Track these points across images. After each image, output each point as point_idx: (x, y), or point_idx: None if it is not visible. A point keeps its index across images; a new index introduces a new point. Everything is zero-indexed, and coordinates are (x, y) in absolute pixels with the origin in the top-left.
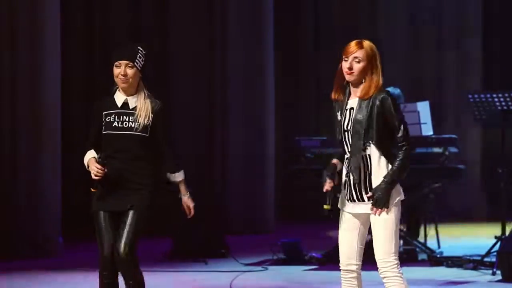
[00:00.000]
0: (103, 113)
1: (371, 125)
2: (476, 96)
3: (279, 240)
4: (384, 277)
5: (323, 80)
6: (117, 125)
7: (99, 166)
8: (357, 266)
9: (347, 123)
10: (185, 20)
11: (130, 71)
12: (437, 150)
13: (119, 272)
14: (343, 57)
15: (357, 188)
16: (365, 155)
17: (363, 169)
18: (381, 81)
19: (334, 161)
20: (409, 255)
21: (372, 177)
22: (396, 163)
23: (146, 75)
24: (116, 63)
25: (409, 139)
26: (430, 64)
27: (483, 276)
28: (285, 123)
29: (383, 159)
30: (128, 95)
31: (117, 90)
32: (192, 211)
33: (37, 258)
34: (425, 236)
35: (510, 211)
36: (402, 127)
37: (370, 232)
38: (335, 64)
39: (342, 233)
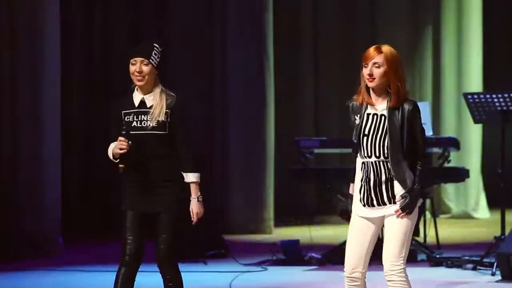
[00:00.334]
0: (122, 112)
1: (402, 132)
2: (475, 96)
3: (278, 240)
4: (390, 280)
5: (323, 80)
6: (136, 125)
7: (122, 138)
8: (362, 274)
9: (368, 128)
10: (185, 20)
11: (145, 68)
12: (436, 150)
13: (137, 271)
14: (363, 64)
15: (377, 192)
16: (386, 161)
17: (385, 174)
18: (407, 88)
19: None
20: (408, 255)
21: (394, 181)
22: (419, 173)
23: (162, 72)
24: (132, 60)
25: (426, 148)
26: (430, 64)
27: (483, 277)
28: (285, 123)
29: (404, 163)
30: (144, 93)
31: (136, 88)
32: (195, 218)
33: (37, 258)
34: (425, 236)
35: (509, 211)
36: (422, 137)
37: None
38: (335, 64)
39: (351, 239)
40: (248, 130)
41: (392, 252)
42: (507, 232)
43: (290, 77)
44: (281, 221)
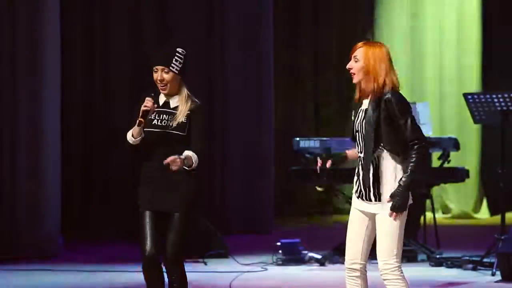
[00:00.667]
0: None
1: (380, 127)
2: (475, 96)
3: (278, 240)
4: (385, 279)
5: (322, 80)
6: (156, 123)
7: (149, 98)
8: (361, 266)
9: (358, 124)
10: (185, 20)
11: (166, 76)
12: (436, 150)
13: (163, 269)
14: (350, 57)
15: (366, 188)
16: (376, 157)
17: (373, 170)
18: (387, 82)
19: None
20: (408, 255)
21: (382, 179)
22: (410, 164)
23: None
24: (154, 68)
25: (420, 136)
26: (430, 64)
27: (483, 277)
28: (285, 123)
29: (393, 161)
30: (169, 96)
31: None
32: (169, 159)
33: (37, 258)
34: (425, 236)
35: (509, 211)
36: (409, 126)
37: None
38: (335, 64)
39: (350, 230)
40: (248, 130)
41: (384, 251)
42: (507, 232)
43: (290, 77)
44: (281, 221)
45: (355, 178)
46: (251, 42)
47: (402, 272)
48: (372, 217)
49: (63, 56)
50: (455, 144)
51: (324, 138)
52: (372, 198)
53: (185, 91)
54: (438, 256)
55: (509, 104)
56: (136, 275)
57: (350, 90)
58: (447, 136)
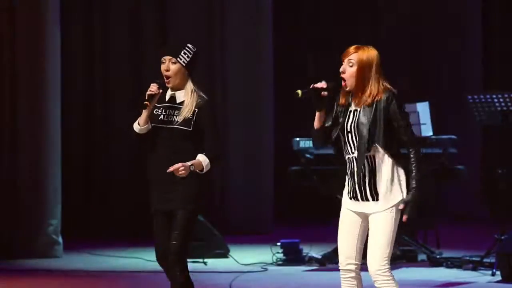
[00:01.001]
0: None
1: (376, 127)
2: (475, 97)
3: (278, 240)
4: (376, 280)
5: (322, 79)
6: (162, 118)
7: (154, 83)
8: (356, 266)
9: (350, 124)
10: (185, 20)
11: (173, 67)
12: (436, 150)
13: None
14: (342, 60)
15: (361, 187)
16: (370, 156)
17: (369, 170)
18: (380, 87)
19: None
20: (408, 255)
21: (377, 177)
22: (413, 171)
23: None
24: (162, 59)
25: (415, 141)
26: (430, 64)
27: (483, 277)
28: (284, 123)
29: (388, 159)
30: (175, 90)
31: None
32: (172, 168)
33: (37, 258)
34: (425, 236)
35: (509, 211)
36: (408, 130)
37: None
38: (334, 64)
39: (342, 231)
40: (248, 130)
41: (376, 253)
42: (507, 232)
43: (289, 77)
44: (281, 222)
45: (347, 179)
46: (251, 42)
47: (391, 273)
48: (365, 218)
49: (63, 56)
50: (454, 144)
51: None
52: (369, 197)
53: (190, 86)
54: (438, 256)
55: (509, 104)
56: (136, 275)
57: None
58: (447, 136)
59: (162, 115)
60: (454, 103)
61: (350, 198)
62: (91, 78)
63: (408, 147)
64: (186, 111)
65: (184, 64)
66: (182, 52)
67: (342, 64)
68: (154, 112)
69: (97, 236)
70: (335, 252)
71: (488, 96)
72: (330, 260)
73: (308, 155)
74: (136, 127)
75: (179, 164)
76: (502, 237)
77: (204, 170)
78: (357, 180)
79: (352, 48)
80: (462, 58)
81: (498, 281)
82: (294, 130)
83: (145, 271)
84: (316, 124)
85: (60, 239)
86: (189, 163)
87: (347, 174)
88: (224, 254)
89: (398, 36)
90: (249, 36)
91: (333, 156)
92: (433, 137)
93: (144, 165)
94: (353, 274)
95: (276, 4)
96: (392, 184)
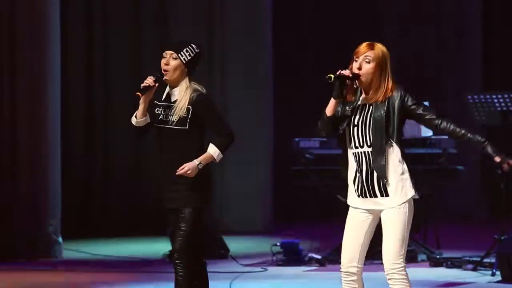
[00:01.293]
0: (154, 101)
1: (390, 122)
2: (475, 97)
3: (278, 241)
4: (391, 278)
5: (322, 80)
6: (162, 118)
7: (152, 77)
8: (358, 269)
9: (358, 119)
10: (185, 20)
11: (172, 62)
12: (436, 151)
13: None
14: (354, 57)
15: (369, 183)
16: (385, 150)
17: (378, 164)
18: (391, 84)
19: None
20: (408, 255)
21: (388, 172)
22: (463, 130)
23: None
24: (163, 53)
25: (440, 113)
26: (429, 64)
27: (483, 277)
28: (284, 123)
29: (398, 154)
30: (172, 88)
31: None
32: (181, 171)
33: (37, 258)
34: (425, 236)
35: (509, 212)
36: (429, 109)
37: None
38: (334, 64)
39: (347, 233)
40: (248, 130)
41: (392, 250)
42: (507, 232)
43: (289, 77)
44: (281, 222)
45: (352, 175)
46: (251, 40)
47: (407, 272)
48: (374, 215)
49: (63, 56)
50: (454, 144)
51: (324, 139)
52: (378, 193)
53: (186, 83)
54: (438, 256)
55: (509, 104)
56: (136, 275)
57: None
58: (446, 136)
59: (161, 115)
60: (454, 103)
61: (358, 196)
62: (91, 78)
63: (439, 119)
64: (179, 110)
65: (184, 61)
66: (185, 49)
67: (353, 60)
68: (156, 112)
69: (97, 236)
70: (335, 252)
71: (488, 96)
72: (330, 261)
73: (308, 155)
74: (133, 120)
75: (186, 168)
76: (502, 237)
77: (217, 160)
78: (365, 175)
79: (365, 45)
80: (462, 58)
81: (498, 281)
82: (294, 130)
83: (145, 271)
84: (330, 112)
85: (60, 239)
86: (196, 161)
87: (355, 169)
88: (224, 254)
89: (398, 36)
90: (249, 36)
91: (332, 156)
92: (433, 137)
93: (143, 165)
94: (354, 277)
95: (276, 4)
96: (402, 179)
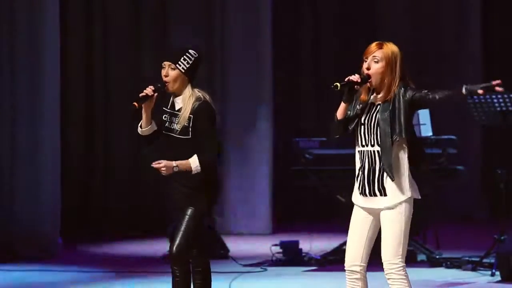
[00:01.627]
0: (163, 108)
1: (396, 120)
2: (475, 97)
3: (278, 241)
4: (390, 278)
5: (322, 80)
6: (168, 126)
7: (151, 87)
8: (361, 268)
9: (364, 118)
10: (185, 21)
11: (171, 73)
12: (436, 151)
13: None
14: (364, 58)
15: (370, 182)
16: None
17: (379, 163)
18: (407, 82)
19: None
20: (408, 255)
21: (394, 171)
22: (446, 91)
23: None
24: (162, 64)
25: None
26: (429, 64)
27: (482, 277)
28: (284, 123)
29: (403, 154)
30: (175, 96)
31: None
32: (156, 165)
33: (37, 258)
34: (424, 237)
35: (509, 212)
36: (425, 90)
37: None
38: (334, 64)
39: (351, 231)
40: (247, 131)
41: (389, 251)
42: (506, 233)
43: (289, 77)
44: (280, 222)
45: (357, 174)
46: (251, 39)
47: (406, 272)
48: (376, 215)
49: (62, 56)
50: (454, 144)
51: (324, 138)
52: (377, 193)
53: (188, 91)
54: (437, 257)
55: (508, 104)
56: (136, 276)
57: None
58: (446, 136)
59: (167, 123)
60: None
61: (360, 194)
62: (91, 78)
63: (430, 94)
64: (183, 119)
65: (183, 71)
66: (182, 58)
67: (363, 61)
68: (163, 118)
69: (97, 236)
70: (334, 252)
71: (487, 97)
72: (330, 261)
73: (308, 155)
74: (139, 129)
75: (162, 164)
76: (502, 238)
77: (193, 172)
78: (367, 174)
79: (375, 45)
80: (462, 58)
81: (497, 282)
82: (294, 130)
83: (144, 272)
84: (340, 115)
85: (60, 240)
86: (173, 163)
87: (359, 168)
88: (224, 255)
89: (398, 36)
90: (249, 36)
91: (332, 157)
92: (433, 137)
93: (143, 165)
94: (358, 276)
95: (276, 4)
96: (402, 180)
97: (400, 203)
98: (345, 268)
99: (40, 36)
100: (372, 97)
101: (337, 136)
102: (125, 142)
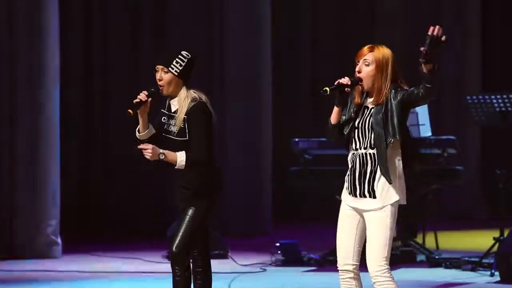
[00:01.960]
0: (161, 110)
1: (388, 123)
2: (474, 97)
3: (277, 241)
4: (376, 281)
5: (322, 80)
6: (166, 128)
7: (145, 92)
8: (354, 267)
9: (358, 122)
10: (185, 21)
11: (165, 76)
12: (435, 151)
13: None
14: (355, 61)
15: (361, 184)
16: (373, 153)
17: (370, 166)
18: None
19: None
20: (407, 256)
21: (376, 175)
22: (422, 85)
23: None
24: (156, 67)
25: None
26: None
27: (482, 277)
28: (284, 123)
29: (396, 157)
30: (171, 98)
31: None
32: (143, 146)
33: (36, 258)
34: (424, 237)
35: (508, 212)
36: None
37: None
38: (334, 64)
39: (340, 230)
40: (246, 131)
41: (374, 253)
42: (506, 233)
43: (288, 77)
44: (280, 222)
45: (347, 174)
46: (250, 39)
47: (391, 274)
48: (362, 215)
49: (62, 55)
50: (453, 145)
51: (323, 139)
52: (367, 194)
53: (184, 93)
54: (437, 257)
55: (508, 105)
56: (136, 275)
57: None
58: (445, 136)
59: (166, 125)
60: (453, 104)
61: (350, 194)
62: (90, 78)
63: (417, 89)
64: (179, 121)
65: (176, 74)
66: (174, 61)
67: (356, 64)
68: (162, 120)
69: (96, 236)
70: (334, 252)
71: (487, 97)
72: (329, 261)
73: (307, 156)
74: (137, 134)
75: (149, 149)
76: (501, 238)
77: (177, 167)
78: (358, 176)
79: (366, 48)
80: (461, 58)
81: (497, 282)
82: (294, 130)
83: (144, 272)
84: (334, 120)
85: (59, 240)
86: (161, 151)
87: (349, 168)
88: (223, 255)
89: (398, 36)
90: (249, 36)
91: (331, 157)
92: (432, 137)
93: (143, 165)
94: (351, 275)
95: (276, 4)
96: (393, 183)
97: (387, 206)
98: (338, 268)
99: (40, 36)
100: (365, 100)
101: (333, 141)
102: (124, 142)
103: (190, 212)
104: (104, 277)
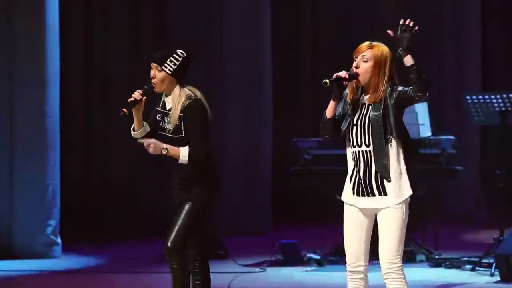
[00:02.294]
0: (156, 108)
1: (386, 120)
2: (474, 97)
3: (277, 241)
4: (388, 278)
5: (321, 80)
6: (162, 126)
7: (140, 90)
8: (365, 267)
9: (357, 118)
10: (185, 21)
11: (158, 74)
12: (435, 151)
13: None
14: (354, 56)
15: (367, 183)
16: (374, 150)
17: (374, 163)
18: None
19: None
20: (407, 256)
21: (390, 171)
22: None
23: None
24: (151, 65)
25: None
26: (428, 64)
27: (482, 277)
28: (284, 123)
29: (398, 153)
30: (166, 96)
31: None
32: (145, 141)
33: (36, 258)
34: (424, 237)
35: (508, 212)
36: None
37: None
38: (334, 64)
39: (349, 231)
40: (246, 131)
41: (389, 250)
42: (505, 233)
43: (288, 77)
44: (279, 222)
45: (351, 175)
46: (250, 39)
47: (403, 272)
48: (371, 215)
49: (62, 56)
50: (453, 145)
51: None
52: (376, 192)
53: (177, 91)
54: (437, 257)
55: (507, 104)
56: (136, 276)
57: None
58: (445, 136)
59: (161, 122)
60: (453, 104)
61: (353, 194)
62: (90, 78)
63: (410, 89)
64: (173, 118)
65: (169, 73)
66: (168, 60)
67: (354, 60)
68: (157, 118)
69: (96, 236)
70: (334, 252)
71: (486, 97)
72: (329, 261)
73: (306, 156)
74: (132, 132)
75: (152, 143)
76: (501, 238)
77: (180, 161)
78: (363, 175)
79: (365, 45)
80: (461, 58)
81: (496, 282)
82: (294, 130)
83: (144, 272)
84: (330, 114)
85: (59, 240)
86: (163, 145)
87: (352, 168)
88: (223, 255)
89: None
90: (248, 36)
91: (331, 157)
92: (432, 137)
93: (142, 166)
94: (361, 276)
95: (276, 4)
96: (400, 179)
97: (402, 202)
98: (348, 269)
99: (39, 36)
100: (362, 97)
101: (327, 137)
102: (124, 143)
103: (186, 207)
104: (104, 277)
